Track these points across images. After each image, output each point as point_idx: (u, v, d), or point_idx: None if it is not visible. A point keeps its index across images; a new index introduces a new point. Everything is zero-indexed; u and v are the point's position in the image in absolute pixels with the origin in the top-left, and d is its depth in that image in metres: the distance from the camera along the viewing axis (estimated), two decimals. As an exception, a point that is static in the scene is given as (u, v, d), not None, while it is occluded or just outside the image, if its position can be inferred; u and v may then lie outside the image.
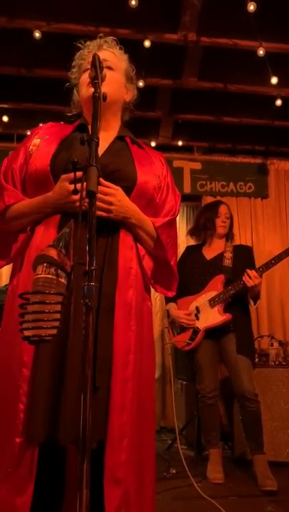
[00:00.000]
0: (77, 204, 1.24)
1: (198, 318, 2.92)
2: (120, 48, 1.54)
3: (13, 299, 1.30)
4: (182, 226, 4.90)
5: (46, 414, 1.15)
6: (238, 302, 2.89)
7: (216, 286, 2.91)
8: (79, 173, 1.19)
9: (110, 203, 1.30)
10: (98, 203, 1.23)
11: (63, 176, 1.29)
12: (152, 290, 1.53)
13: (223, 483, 2.64)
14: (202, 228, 3.14)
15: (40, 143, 1.41)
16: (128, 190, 1.36)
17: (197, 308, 2.93)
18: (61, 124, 1.55)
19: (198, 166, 4.55)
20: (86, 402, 0.93)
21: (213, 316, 2.86)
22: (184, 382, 3.76)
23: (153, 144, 4.36)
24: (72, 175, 1.25)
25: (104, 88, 1.26)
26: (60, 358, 1.17)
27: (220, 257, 3.01)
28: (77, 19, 3.06)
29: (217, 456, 2.81)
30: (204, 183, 4.55)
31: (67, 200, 1.28)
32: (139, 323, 1.33)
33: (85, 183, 1.05)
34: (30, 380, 1.18)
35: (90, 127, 1.44)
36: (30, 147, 1.41)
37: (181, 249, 4.73)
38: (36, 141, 1.42)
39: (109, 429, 1.18)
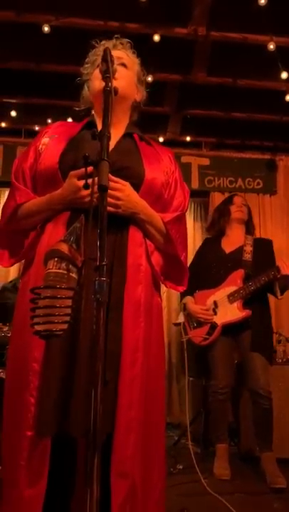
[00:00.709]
0: (87, 200, 1.25)
1: (216, 313, 2.85)
2: (133, 52, 1.55)
3: (24, 294, 1.31)
4: (190, 222, 4.89)
5: (57, 408, 1.15)
6: (257, 298, 2.81)
7: (235, 281, 2.83)
8: (89, 168, 1.18)
9: (118, 198, 1.30)
10: (109, 199, 1.23)
11: (72, 173, 1.30)
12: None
13: (230, 480, 2.64)
14: (217, 219, 3.10)
15: (49, 142, 1.42)
16: (136, 187, 1.36)
17: (215, 303, 2.86)
18: (69, 122, 1.56)
19: (206, 161, 4.53)
20: (97, 398, 0.93)
21: (232, 312, 2.79)
22: (191, 379, 3.76)
23: (161, 139, 4.35)
24: (80, 171, 1.26)
25: (116, 83, 1.27)
26: (70, 353, 1.18)
27: (239, 250, 2.91)
28: (86, 13, 3.05)
29: (224, 451, 2.79)
30: (212, 178, 4.53)
31: (76, 196, 1.29)
32: (148, 320, 1.33)
33: (95, 178, 1.04)
34: (42, 375, 1.19)
35: (98, 124, 1.45)
36: (40, 146, 1.43)
37: (189, 245, 4.76)
38: (45, 140, 1.44)
39: (116, 424, 1.19)
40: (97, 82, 1.44)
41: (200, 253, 3.12)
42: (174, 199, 1.49)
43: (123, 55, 1.49)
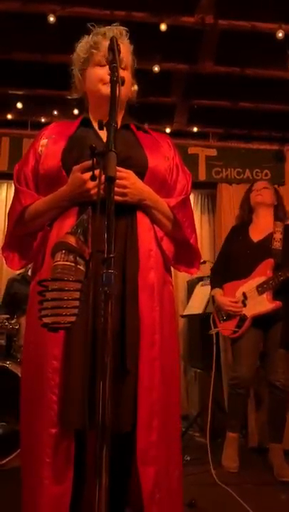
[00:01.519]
0: (94, 192, 1.26)
1: (245, 305, 2.77)
2: (126, 36, 1.51)
3: (35, 294, 1.31)
4: (197, 214, 4.86)
5: (81, 403, 1.16)
6: (287, 288, 2.69)
7: (264, 272, 2.72)
8: (89, 163, 1.23)
9: (125, 187, 1.31)
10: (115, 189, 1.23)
11: (75, 167, 1.30)
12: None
13: (238, 471, 2.65)
14: (241, 209, 3.05)
15: (48, 142, 1.43)
16: (140, 176, 1.37)
17: (244, 295, 2.78)
18: (64, 122, 1.56)
19: (213, 152, 4.49)
20: (105, 390, 0.93)
21: (261, 304, 2.68)
22: (198, 371, 3.77)
23: (168, 130, 4.31)
24: (84, 164, 1.28)
25: (122, 90, 1.25)
26: (90, 347, 1.17)
27: (268, 238, 2.79)
28: (92, 3, 3.01)
29: (234, 441, 2.76)
30: (220, 169, 4.49)
31: (82, 190, 1.29)
32: (162, 304, 1.35)
33: (102, 169, 1.04)
34: (64, 372, 1.20)
35: (94, 121, 1.45)
36: (39, 148, 1.44)
37: (198, 237, 4.73)
38: (44, 141, 1.44)
39: (139, 410, 1.19)
40: (101, 87, 1.43)
41: (227, 243, 3.03)
42: (177, 183, 1.50)
43: (124, 52, 1.42)
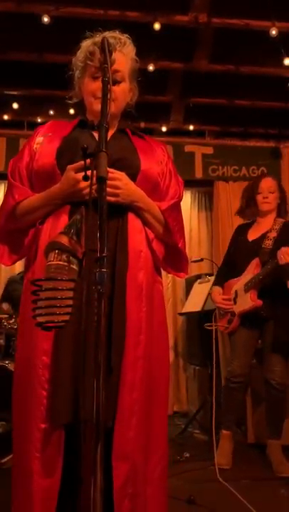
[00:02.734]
0: (86, 192, 1.27)
1: (235, 303, 2.84)
2: (130, 43, 1.48)
3: (28, 292, 1.32)
4: (194, 212, 4.88)
5: (71, 397, 1.18)
6: (277, 287, 2.69)
7: (252, 270, 2.77)
8: (83, 162, 1.20)
9: (117, 187, 1.32)
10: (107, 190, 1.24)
11: (69, 166, 1.31)
12: (163, 276, 1.55)
13: (236, 467, 2.66)
14: (246, 207, 2.99)
15: (44, 140, 1.44)
16: (133, 178, 1.38)
17: (236, 292, 2.85)
18: (61, 122, 1.57)
19: (210, 150, 4.50)
20: (99, 387, 0.94)
21: (245, 301, 2.75)
22: (197, 368, 3.78)
23: (164, 128, 4.32)
24: (78, 164, 1.29)
25: (113, 105, 1.31)
26: (79, 343, 1.19)
27: (262, 237, 2.83)
28: (86, 2, 3.02)
29: (227, 439, 2.79)
30: (216, 167, 4.50)
31: (75, 189, 1.30)
32: (150, 305, 1.36)
33: (94, 170, 1.05)
34: (53, 367, 1.21)
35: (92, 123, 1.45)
36: (34, 146, 1.45)
37: (195, 235, 4.75)
38: (39, 139, 1.45)
39: (119, 407, 1.21)
40: (94, 102, 1.43)
41: (231, 242, 3.07)
42: (169, 188, 1.52)
43: (120, 61, 1.41)
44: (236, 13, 3.13)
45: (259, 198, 2.90)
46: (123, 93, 1.48)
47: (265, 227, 2.88)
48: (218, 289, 2.98)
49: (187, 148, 4.46)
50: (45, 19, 3.01)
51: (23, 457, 1.24)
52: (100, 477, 0.92)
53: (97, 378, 0.95)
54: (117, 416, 1.21)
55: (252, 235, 2.91)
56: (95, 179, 1.04)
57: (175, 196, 1.52)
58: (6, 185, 1.49)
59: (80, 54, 1.48)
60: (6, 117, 4.16)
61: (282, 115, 4.37)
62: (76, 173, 1.30)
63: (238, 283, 2.84)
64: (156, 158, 1.49)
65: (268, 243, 2.77)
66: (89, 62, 1.44)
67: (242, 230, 3.02)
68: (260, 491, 2.32)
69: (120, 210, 1.35)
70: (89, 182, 1.21)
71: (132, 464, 1.21)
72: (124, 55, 1.46)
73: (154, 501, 1.29)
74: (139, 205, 1.39)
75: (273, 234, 2.79)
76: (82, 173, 1.26)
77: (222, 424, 2.86)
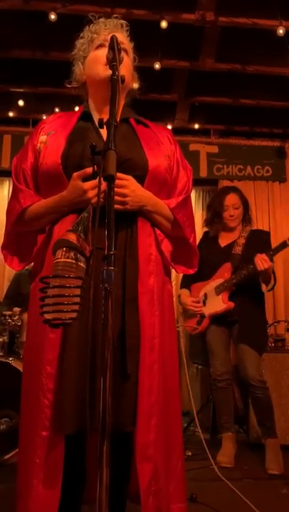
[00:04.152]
0: (94, 201, 1.24)
1: (205, 305, 2.96)
2: (128, 36, 1.50)
3: (35, 297, 1.32)
4: (198, 211, 4.86)
5: (76, 407, 1.18)
6: (247, 290, 2.85)
7: (222, 274, 2.91)
8: (90, 170, 1.24)
9: (125, 195, 1.29)
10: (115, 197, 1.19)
11: (75, 174, 1.28)
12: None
13: (238, 466, 2.67)
14: (211, 222, 3.09)
15: (47, 139, 1.39)
16: (141, 179, 1.35)
17: (205, 295, 2.97)
18: (64, 113, 1.52)
19: (214, 149, 4.50)
20: (106, 385, 0.95)
21: (217, 304, 2.88)
22: (199, 367, 3.78)
23: (169, 127, 4.31)
24: (84, 171, 1.27)
25: (121, 71, 1.24)
26: (85, 351, 1.17)
27: (233, 244, 2.97)
28: (93, 0, 3.02)
29: (229, 440, 2.81)
30: (221, 166, 4.50)
31: (82, 199, 1.28)
32: (161, 308, 1.35)
33: (101, 179, 1.05)
34: (57, 377, 1.21)
35: (94, 111, 1.44)
36: (38, 145, 1.40)
37: (198, 234, 4.74)
38: (43, 137, 1.40)
39: (139, 411, 1.22)
40: (99, 68, 1.39)
41: (199, 246, 3.12)
42: (177, 182, 1.48)
43: (124, 39, 1.44)
44: (243, 11, 3.13)
45: (225, 215, 3.01)
46: (129, 65, 1.44)
47: (234, 234, 3.03)
48: (186, 291, 3.10)
49: (192, 147, 4.47)
50: (52, 16, 3.02)
51: (26, 461, 1.24)
52: (105, 476, 0.92)
53: (104, 377, 0.95)
54: (137, 420, 1.22)
55: (223, 241, 3.04)
56: (102, 187, 1.04)
57: (183, 191, 1.48)
58: (12, 184, 1.47)
59: (83, 36, 1.49)
60: (11, 114, 4.17)
61: (288, 114, 4.36)
62: (83, 181, 1.27)
63: (207, 286, 2.97)
64: (163, 152, 1.44)
65: (238, 249, 2.94)
66: (94, 35, 1.44)
67: (211, 237, 3.10)
68: (262, 490, 2.32)
69: (129, 216, 1.33)
70: (96, 191, 1.20)
71: (154, 465, 1.22)
72: (126, 37, 1.46)
73: (178, 493, 1.34)
74: (148, 209, 1.36)
75: (242, 240, 2.96)
76: (89, 182, 1.26)
77: (221, 427, 2.90)
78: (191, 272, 1.57)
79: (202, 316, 2.95)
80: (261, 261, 2.66)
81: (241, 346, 2.78)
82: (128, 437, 1.28)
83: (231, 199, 3.00)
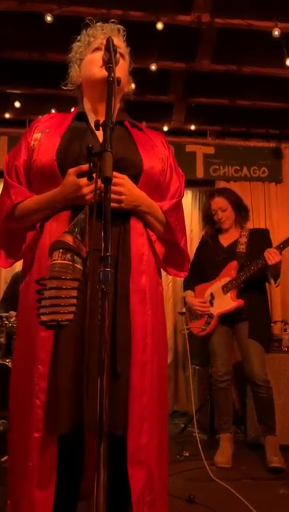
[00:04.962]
0: (88, 197, 1.25)
1: (212, 305, 2.96)
2: (124, 41, 1.50)
3: (26, 295, 1.32)
4: (195, 212, 4.88)
5: (70, 407, 1.16)
6: (254, 287, 2.88)
7: (229, 273, 2.92)
8: (85, 166, 1.24)
9: (121, 194, 1.30)
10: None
11: (70, 170, 1.28)
12: (164, 276, 1.54)
13: (236, 466, 2.67)
14: (206, 225, 3.16)
15: (42, 137, 1.38)
16: (135, 178, 1.35)
17: (212, 295, 2.97)
18: (59, 114, 1.53)
19: (211, 150, 4.50)
20: (103, 386, 0.95)
21: (226, 302, 2.89)
22: (197, 367, 3.79)
23: (166, 128, 4.33)
24: (79, 168, 1.27)
25: (117, 73, 1.25)
26: (79, 351, 1.18)
27: (235, 243, 3.00)
28: (89, 2, 3.03)
29: (227, 441, 2.83)
30: (217, 167, 4.50)
31: (77, 195, 1.28)
32: (154, 308, 1.35)
33: (98, 172, 1.05)
34: (50, 377, 1.20)
35: (89, 112, 1.44)
36: (32, 142, 1.39)
37: (195, 235, 4.75)
38: (37, 135, 1.40)
39: (130, 413, 1.20)
40: (95, 69, 1.39)
41: (200, 248, 3.20)
42: (170, 185, 1.49)
43: (120, 44, 1.45)
44: (239, 13, 3.13)
45: (216, 218, 3.07)
46: (124, 68, 1.45)
47: (234, 234, 3.06)
48: (191, 292, 3.10)
49: (188, 148, 4.47)
50: (48, 18, 3.02)
51: (18, 467, 1.22)
52: (103, 477, 0.92)
53: (101, 379, 0.95)
54: (128, 423, 1.19)
55: (225, 242, 3.06)
56: (98, 184, 1.03)
57: (176, 195, 1.49)
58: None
59: (80, 39, 1.49)
60: (7, 116, 4.17)
61: (284, 115, 4.38)
62: (78, 177, 1.27)
63: (213, 286, 2.98)
64: (157, 155, 1.45)
65: (242, 247, 2.96)
66: (91, 39, 1.44)
67: (212, 238, 3.13)
68: (260, 490, 2.32)
69: (122, 215, 1.33)
70: (91, 187, 1.23)
71: (148, 471, 1.19)
72: (122, 42, 1.46)
73: (162, 503, 1.28)
74: (142, 209, 1.36)
75: (244, 239, 2.99)
76: (84, 178, 1.26)
77: (220, 428, 2.91)
78: (182, 275, 1.57)
79: (210, 317, 2.95)
80: (272, 255, 2.69)
81: (250, 342, 2.79)
82: (121, 441, 1.22)
83: (217, 203, 3.07)
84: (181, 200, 1.52)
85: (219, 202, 3.05)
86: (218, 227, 3.09)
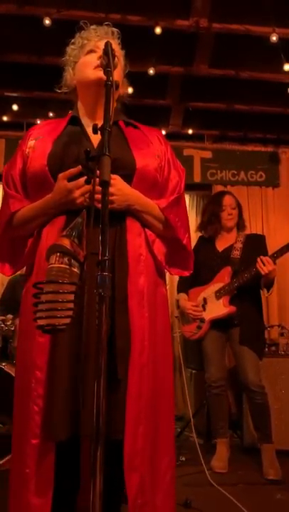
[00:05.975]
0: (79, 201, 1.25)
1: (204, 309, 2.95)
2: (119, 43, 1.50)
3: (25, 302, 1.32)
4: (192, 216, 4.87)
5: (67, 413, 1.16)
6: (247, 293, 2.87)
7: (222, 278, 2.92)
8: (77, 169, 1.25)
9: (111, 194, 1.28)
10: (98, 196, 1.10)
11: (60, 175, 1.29)
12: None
13: (232, 471, 2.67)
14: (208, 223, 3.10)
15: (35, 144, 1.40)
16: (128, 178, 1.34)
17: (204, 300, 2.97)
18: (53, 120, 1.54)
19: (208, 154, 4.51)
20: (100, 390, 0.94)
21: (218, 308, 2.89)
22: (194, 371, 3.78)
23: (163, 132, 4.33)
24: (69, 172, 1.27)
25: (115, 75, 1.23)
26: (76, 356, 1.17)
27: (230, 248, 2.99)
28: (88, 6, 3.03)
29: (223, 446, 2.83)
30: (215, 171, 4.51)
31: (68, 200, 1.27)
32: (152, 310, 1.33)
33: (93, 175, 1.05)
34: (47, 382, 1.19)
35: (83, 116, 1.43)
36: (27, 150, 1.41)
37: (193, 239, 4.75)
38: (31, 143, 1.41)
39: (127, 418, 1.19)
40: (89, 71, 1.39)
41: (195, 252, 3.15)
42: (168, 181, 1.46)
43: (115, 46, 1.42)
44: (237, 18, 3.14)
45: (224, 214, 3.06)
46: (119, 71, 1.44)
47: (230, 239, 3.05)
48: (184, 295, 3.08)
49: (186, 152, 4.48)
50: (47, 21, 3.02)
51: (17, 473, 1.22)
52: (99, 482, 0.92)
53: (98, 383, 0.94)
54: (125, 427, 1.18)
55: (220, 246, 3.05)
56: (88, 187, 1.03)
57: (175, 191, 1.45)
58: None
59: (74, 42, 1.49)
60: (5, 119, 4.17)
61: (281, 120, 4.39)
62: (68, 181, 1.27)
63: (206, 290, 2.97)
64: (152, 152, 1.42)
65: (236, 253, 2.96)
66: (85, 41, 1.44)
67: (207, 241, 3.12)
68: (256, 495, 2.32)
69: (117, 216, 1.31)
70: (81, 190, 1.24)
71: (141, 475, 1.19)
72: (117, 45, 1.46)
73: (165, 507, 1.28)
74: (136, 208, 1.35)
75: (239, 245, 2.98)
76: (74, 182, 1.26)
77: (216, 433, 2.90)
78: (187, 273, 1.55)
79: (202, 321, 2.94)
80: (265, 264, 2.67)
81: (243, 349, 2.78)
82: (119, 445, 1.22)
83: (229, 200, 3.10)
84: (181, 195, 1.48)
85: (231, 200, 3.09)
86: (220, 226, 3.05)
